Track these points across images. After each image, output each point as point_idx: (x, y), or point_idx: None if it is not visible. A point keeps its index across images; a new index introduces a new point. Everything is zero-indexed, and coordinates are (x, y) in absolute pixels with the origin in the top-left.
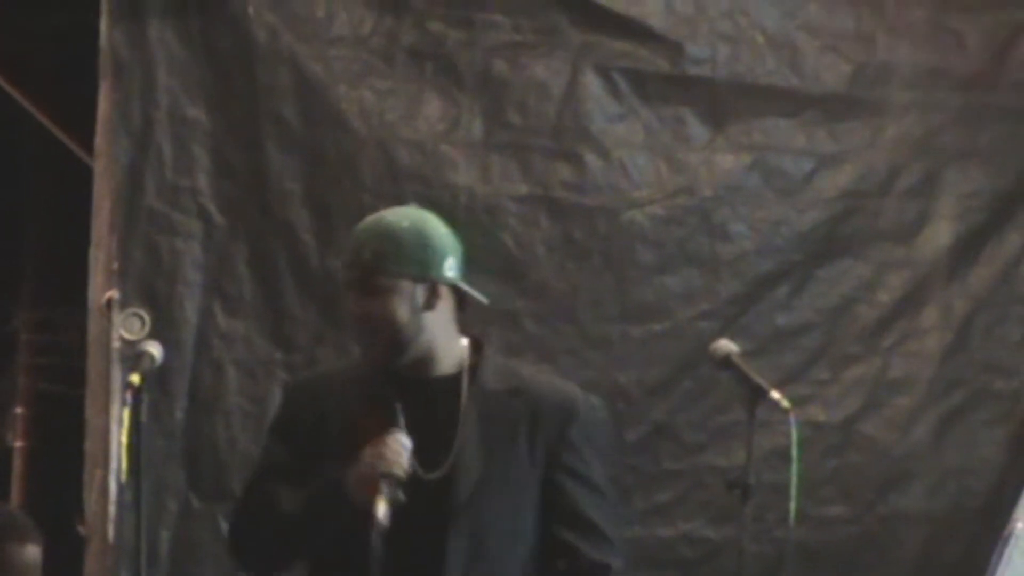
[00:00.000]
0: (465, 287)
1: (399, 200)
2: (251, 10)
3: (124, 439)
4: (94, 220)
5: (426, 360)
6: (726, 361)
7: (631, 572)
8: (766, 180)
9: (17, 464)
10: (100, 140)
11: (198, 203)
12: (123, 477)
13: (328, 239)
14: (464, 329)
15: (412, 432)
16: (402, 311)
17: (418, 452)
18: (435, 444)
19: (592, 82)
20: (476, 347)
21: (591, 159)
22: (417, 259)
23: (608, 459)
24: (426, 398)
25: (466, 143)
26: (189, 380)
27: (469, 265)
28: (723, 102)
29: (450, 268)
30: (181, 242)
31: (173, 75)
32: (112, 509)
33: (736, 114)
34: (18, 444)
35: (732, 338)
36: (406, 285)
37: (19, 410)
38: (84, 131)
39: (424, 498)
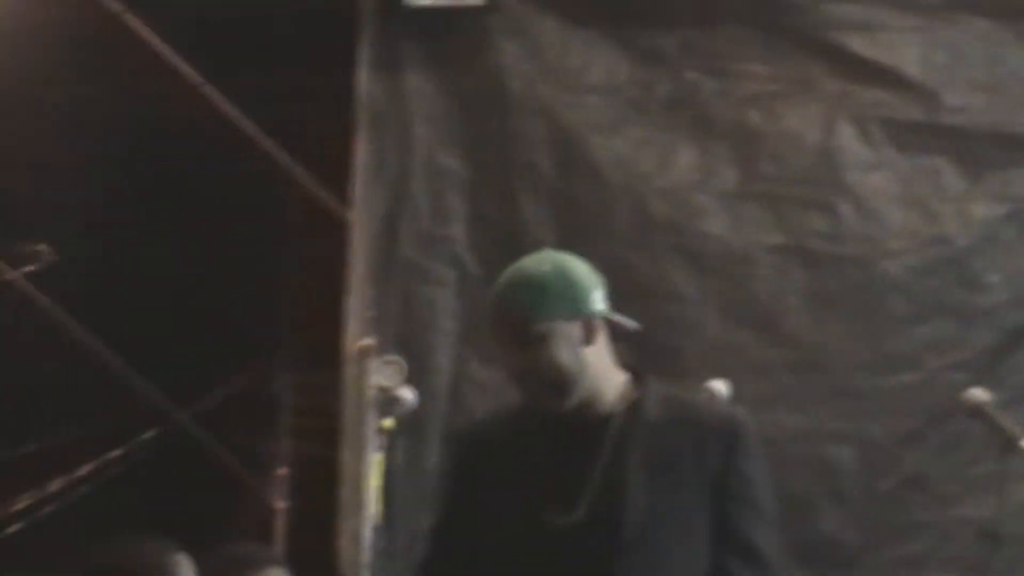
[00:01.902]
0: (617, 318)
1: (652, 250)
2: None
3: (377, 484)
4: (351, 269)
5: (591, 398)
6: (978, 410)
7: None
8: (1022, 230)
9: (280, 526)
10: (357, 191)
11: (453, 252)
12: (377, 522)
13: None
14: (621, 362)
15: (577, 474)
16: (563, 353)
17: (584, 492)
18: (602, 483)
19: (847, 131)
20: (636, 379)
21: (845, 209)
22: (566, 297)
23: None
24: (591, 437)
25: (719, 193)
26: (442, 428)
27: (721, 315)
28: (979, 152)
29: (598, 301)
30: (436, 291)
31: (429, 125)
32: (366, 556)
33: (992, 164)
34: (281, 505)
35: (986, 390)
36: (561, 326)
37: (282, 472)
38: (337, 186)
39: (593, 539)
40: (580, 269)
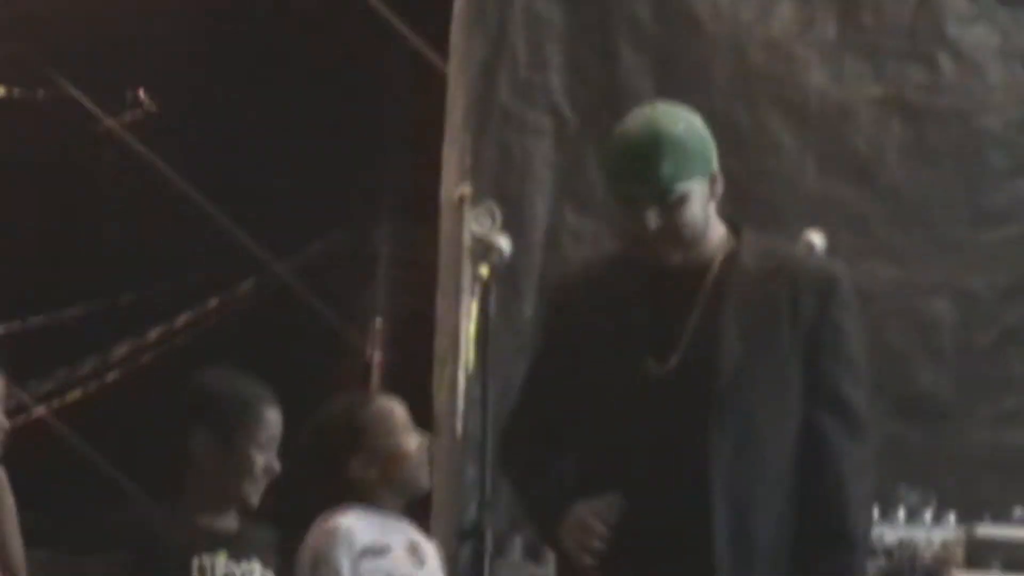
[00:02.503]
0: None
1: (751, 102)
2: None
3: (472, 332)
4: (448, 117)
5: (699, 249)
6: None
7: (980, 479)
8: None
9: (376, 377)
10: (455, 38)
11: (551, 100)
12: (469, 369)
13: None
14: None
15: (675, 323)
16: (699, 211)
17: (681, 341)
18: (699, 333)
19: None
20: (734, 231)
21: (945, 62)
22: (703, 156)
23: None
24: (689, 287)
25: (820, 44)
26: (538, 277)
27: (819, 167)
28: None
29: (715, 154)
30: (533, 140)
31: None
32: (460, 404)
33: None
34: (377, 357)
35: None
36: (698, 185)
37: (379, 323)
38: (437, 37)
39: (688, 388)
40: (701, 123)
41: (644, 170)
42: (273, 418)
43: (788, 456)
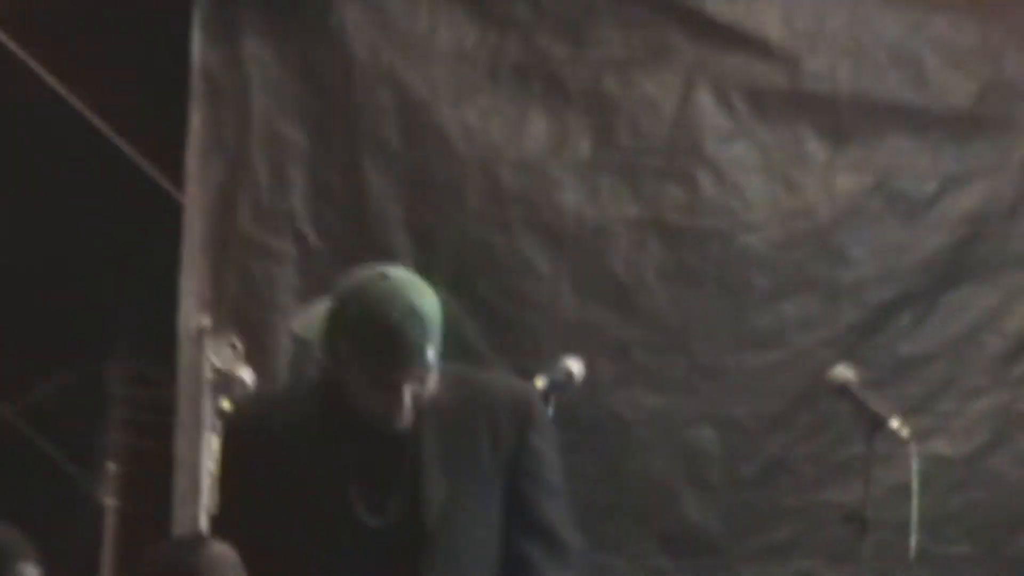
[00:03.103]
0: None
1: (505, 224)
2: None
3: (215, 470)
4: (185, 246)
5: None
6: (843, 389)
7: None
8: (888, 202)
9: (110, 523)
10: (191, 163)
11: (294, 227)
12: (213, 511)
13: (430, 265)
14: None
15: (381, 469)
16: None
17: (391, 488)
18: (406, 477)
19: (706, 100)
20: None
21: (705, 181)
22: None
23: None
24: (382, 433)
25: (574, 163)
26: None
27: (576, 291)
28: (844, 120)
29: None
30: (275, 267)
31: (268, 94)
32: None
33: (858, 133)
34: (111, 503)
35: (852, 367)
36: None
37: (112, 466)
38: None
39: (399, 535)
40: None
41: (412, 357)
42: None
43: None
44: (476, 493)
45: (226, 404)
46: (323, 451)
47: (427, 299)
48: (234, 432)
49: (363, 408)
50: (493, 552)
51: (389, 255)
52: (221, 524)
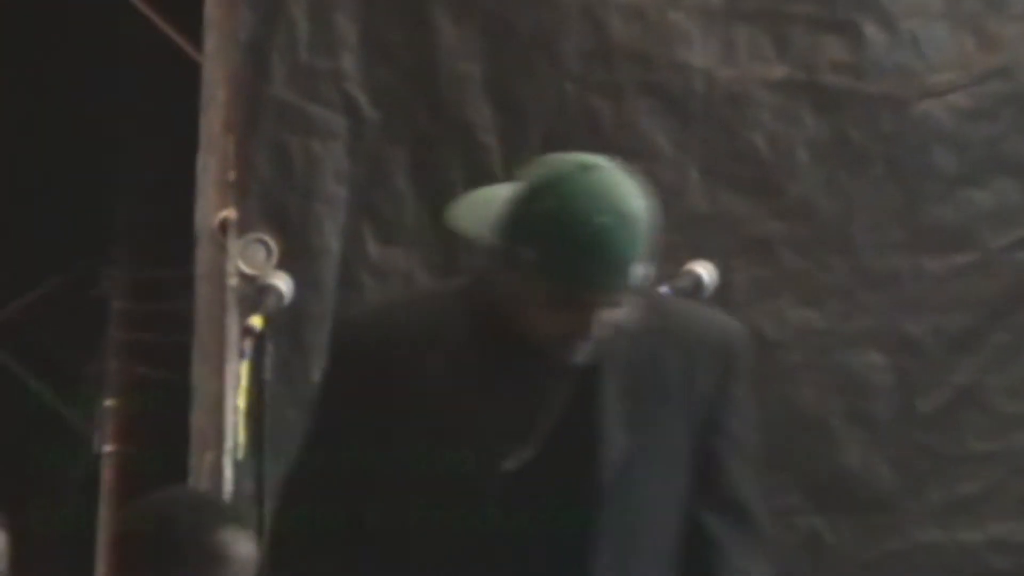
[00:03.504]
0: None
1: (613, 90)
2: None
3: (242, 404)
4: (203, 117)
5: None
6: None
7: None
8: None
9: (108, 475)
10: (211, 14)
11: (343, 92)
12: (240, 456)
13: (517, 142)
14: None
15: (537, 400)
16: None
17: (547, 424)
18: (571, 414)
19: None
20: None
21: (872, 32)
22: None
23: None
24: (550, 364)
25: (703, 10)
26: (329, 326)
27: (705, 174)
28: None
29: None
30: (319, 144)
31: None
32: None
33: None
34: (108, 449)
35: None
36: None
37: (109, 403)
38: (190, 16)
39: (558, 486)
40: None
41: (614, 273)
42: None
43: (670, 554)
44: (661, 449)
45: (256, 321)
46: (465, 381)
47: (640, 201)
48: (345, 350)
49: (534, 331)
50: (674, 521)
51: (465, 130)
52: (310, 467)
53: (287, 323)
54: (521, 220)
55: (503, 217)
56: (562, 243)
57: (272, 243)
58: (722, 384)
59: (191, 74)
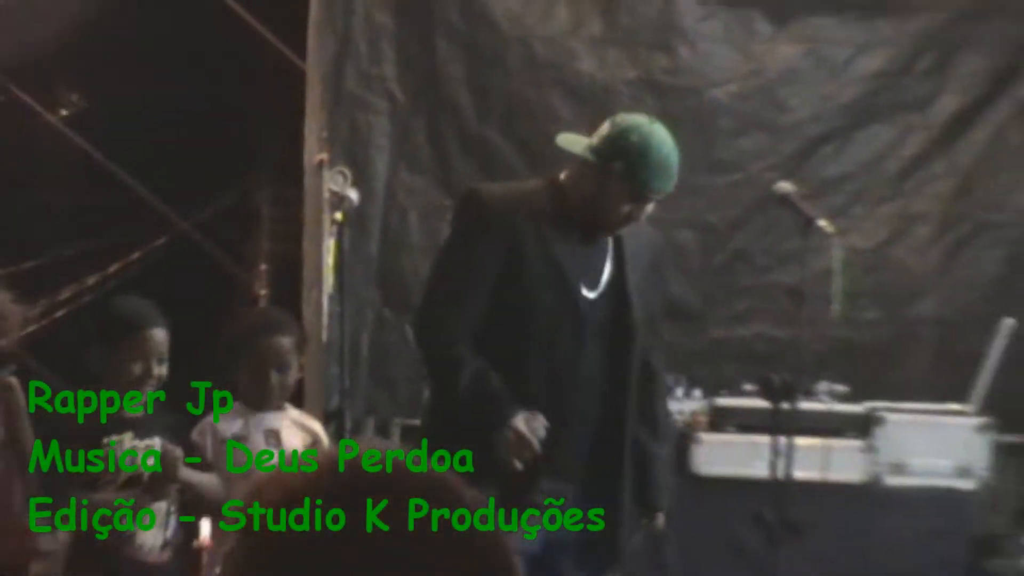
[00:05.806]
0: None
1: (538, 84)
2: None
3: (331, 263)
4: (307, 101)
5: None
6: (785, 199)
7: (720, 365)
8: (817, 64)
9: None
10: (311, 40)
11: (386, 87)
12: (331, 291)
13: (485, 113)
14: None
15: (594, 259)
16: None
17: (601, 273)
18: (612, 273)
19: None
20: None
21: (683, 50)
22: None
23: None
24: (596, 235)
25: (589, 39)
26: (380, 221)
27: (589, 132)
28: (785, 4)
29: None
30: (373, 117)
31: None
32: (324, 319)
33: (794, 14)
34: (262, 292)
35: (792, 184)
36: None
37: (263, 267)
38: (296, 39)
39: (606, 323)
40: None
41: (669, 182)
42: (156, 336)
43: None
44: (647, 305)
45: (339, 216)
46: (554, 243)
47: (671, 139)
48: (479, 205)
49: (605, 214)
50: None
51: (454, 107)
52: (469, 285)
53: (355, 217)
54: (615, 145)
55: (600, 143)
56: (642, 160)
57: (348, 172)
58: (667, 272)
59: (297, 78)
